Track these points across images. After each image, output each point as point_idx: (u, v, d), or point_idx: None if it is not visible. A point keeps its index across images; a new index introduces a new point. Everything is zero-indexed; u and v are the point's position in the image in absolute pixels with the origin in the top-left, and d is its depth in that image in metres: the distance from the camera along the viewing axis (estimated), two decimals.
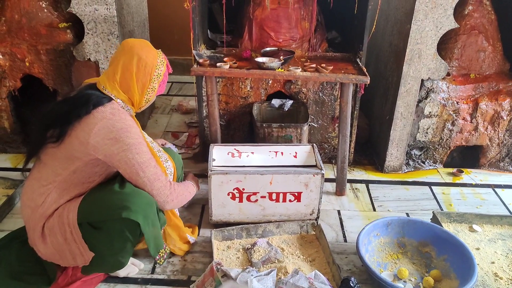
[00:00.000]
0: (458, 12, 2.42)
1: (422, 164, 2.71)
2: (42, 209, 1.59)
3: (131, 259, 1.83)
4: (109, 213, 1.54)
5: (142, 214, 1.55)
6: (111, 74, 1.62)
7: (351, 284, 1.59)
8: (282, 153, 2.18)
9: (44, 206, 1.59)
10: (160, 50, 1.72)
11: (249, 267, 1.75)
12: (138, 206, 1.55)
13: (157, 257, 1.76)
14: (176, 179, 1.87)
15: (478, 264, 1.87)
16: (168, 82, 3.93)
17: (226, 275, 1.69)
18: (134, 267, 1.82)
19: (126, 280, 1.78)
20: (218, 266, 1.73)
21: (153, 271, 1.84)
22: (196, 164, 2.67)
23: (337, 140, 2.52)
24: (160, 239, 1.68)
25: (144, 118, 3.15)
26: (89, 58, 2.40)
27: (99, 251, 1.60)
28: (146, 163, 1.59)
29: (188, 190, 1.83)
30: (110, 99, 1.59)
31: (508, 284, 1.82)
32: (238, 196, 2.04)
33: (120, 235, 1.56)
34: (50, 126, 1.55)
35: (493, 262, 1.93)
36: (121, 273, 1.78)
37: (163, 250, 1.68)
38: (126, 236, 1.56)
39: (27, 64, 2.45)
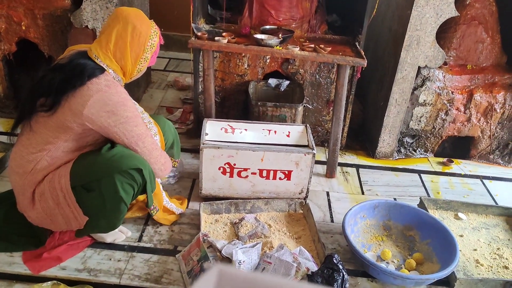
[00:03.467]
0: (460, 2, 2.41)
1: (413, 152, 2.73)
2: (31, 176, 1.59)
3: (119, 227, 1.84)
4: (104, 171, 1.55)
5: (141, 164, 1.59)
6: (104, 42, 1.59)
7: (334, 261, 1.61)
8: (275, 131, 2.19)
9: (34, 173, 1.59)
10: (152, 20, 1.70)
11: (235, 239, 1.77)
12: (135, 159, 1.59)
13: (152, 207, 1.79)
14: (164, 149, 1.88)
15: (460, 250, 1.91)
16: (165, 58, 3.93)
17: (211, 246, 1.71)
18: (121, 234, 1.83)
19: (112, 246, 1.80)
20: (205, 237, 1.75)
21: (140, 239, 1.85)
22: (189, 139, 2.67)
23: (330, 124, 2.53)
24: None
25: (139, 91, 3.13)
26: (87, 25, 2.37)
27: (93, 213, 1.61)
28: (144, 134, 1.63)
29: (170, 161, 1.84)
30: (103, 70, 1.57)
31: (488, 271, 1.85)
32: (229, 171, 2.05)
33: (113, 195, 1.56)
34: (43, 94, 1.53)
35: (475, 249, 1.96)
36: (108, 239, 1.79)
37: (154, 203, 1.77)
38: (119, 197, 1.57)
39: (23, 28, 2.42)
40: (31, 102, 1.55)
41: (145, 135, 1.64)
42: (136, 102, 1.78)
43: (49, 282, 1.57)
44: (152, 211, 1.81)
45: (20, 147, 1.60)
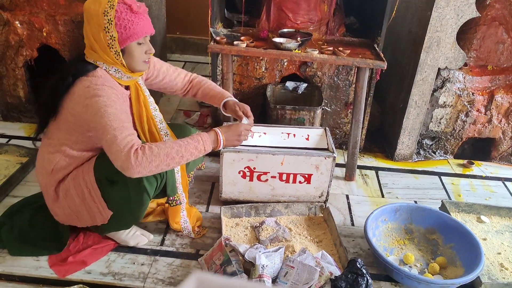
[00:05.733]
0: (480, 2, 2.38)
1: (432, 154, 2.71)
2: (52, 176, 1.66)
3: (141, 230, 1.87)
4: None
5: None
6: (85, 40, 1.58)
7: (358, 265, 1.60)
8: (294, 135, 2.18)
9: (54, 173, 1.65)
10: None
11: (257, 243, 1.78)
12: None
13: (171, 198, 1.75)
14: None
15: (484, 254, 1.88)
16: (181, 61, 3.96)
17: (234, 250, 1.72)
18: (144, 238, 1.85)
19: (135, 250, 1.81)
20: (227, 241, 1.75)
21: (162, 243, 1.87)
22: None
23: (349, 126, 2.52)
24: (175, 186, 1.73)
25: (157, 95, 3.16)
26: None
27: (117, 206, 1.64)
28: (108, 125, 1.45)
29: (180, 150, 1.53)
30: (95, 67, 1.55)
31: None
32: (249, 175, 2.06)
33: (137, 185, 1.58)
34: (46, 101, 1.61)
35: (499, 253, 1.94)
36: (131, 242, 1.81)
37: (177, 195, 1.77)
38: (143, 186, 1.59)
39: (45, 34, 2.46)
40: (41, 109, 1.65)
41: (109, 126, 1.45)
42: (157, 107, 1.78)
43: (75, 286, 1.59)
44: (170, 202, 1.77)
45: (42, 148, 1.69)
